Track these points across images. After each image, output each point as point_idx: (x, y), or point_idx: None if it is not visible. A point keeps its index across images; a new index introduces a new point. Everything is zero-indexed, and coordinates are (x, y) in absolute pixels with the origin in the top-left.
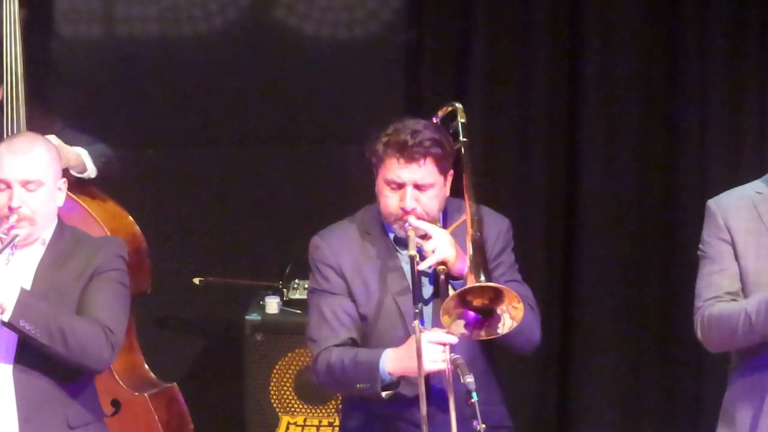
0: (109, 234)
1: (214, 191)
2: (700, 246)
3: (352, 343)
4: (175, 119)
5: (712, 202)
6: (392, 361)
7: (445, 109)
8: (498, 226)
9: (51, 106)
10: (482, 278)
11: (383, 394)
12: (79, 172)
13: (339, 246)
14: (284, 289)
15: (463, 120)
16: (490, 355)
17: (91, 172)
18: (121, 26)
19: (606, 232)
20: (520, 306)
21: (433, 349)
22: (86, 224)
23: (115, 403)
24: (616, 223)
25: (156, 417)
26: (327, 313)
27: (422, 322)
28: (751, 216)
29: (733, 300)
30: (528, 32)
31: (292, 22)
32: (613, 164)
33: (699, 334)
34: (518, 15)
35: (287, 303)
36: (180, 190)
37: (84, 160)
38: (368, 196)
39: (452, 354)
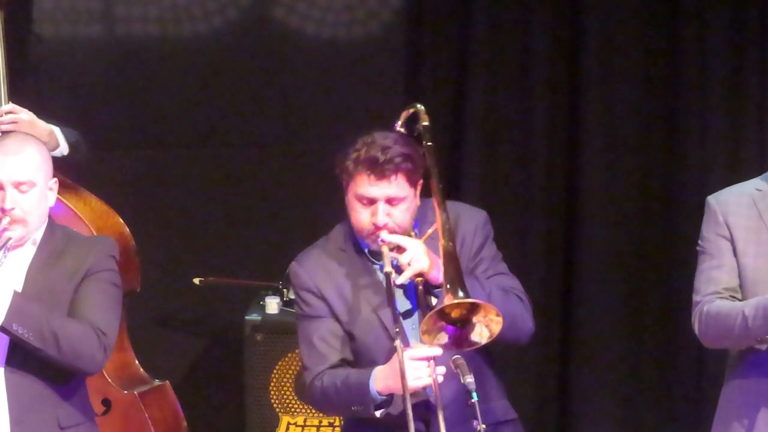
0: (95, 233)
1: (214, 191)
2: (699, 242)
3: (344, 363)
4: (175, 119)
5: (711, 198)
6: (381, 382)
7: (407, 111)
8: (474, 221)
9: (26, 99)
10: (460, 294)
11: (377, 413)
12: (50, 149)
13: (315, 268)
14: (284, 289)
15: (426, 123)
16: (487, 350)
17: (63, 149)
18: (121, 26)
19: (606, 231)
20: (499, 319)
21: (416, 365)
22: (71, 224)
23: (106, 402)
24: (616, 222)
25: (147, 415)
26: (314, 339)
27: (405, 335)
28: (751, 213)
29: (732, 297)
30: (528, 32)
31: (292, 22)
32: (613, 164)
33: (696, 328)
34: (518, 15)
35: (287, 303)
36: (180, 190)
37: (57, 136)
38: None
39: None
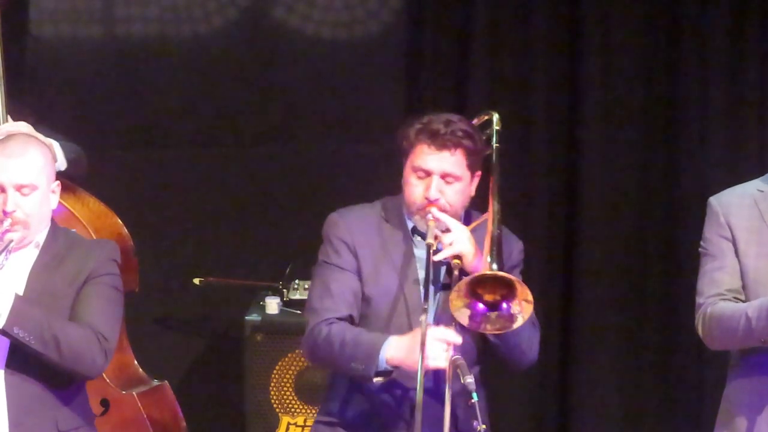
0: (93, 234)
1: (215, 191)
2: (701, 243)
3: (351, 320)
4: (175, 119)
5: (713, 199)
6: (394, 350)
7: (480, 117)
8: (512, 246)
9: (25, 100)
10: (494, 267)
11: (374, 380)
12: None
13: (356, 225)
14: (284, 290)
15: (498, 127)
16: (484, 363)
17: (61, 164)
18: (121, 26)
19: (606, 231)
20: (530, 300)
21: (436, 346)
22: (69, 225)
23: (104, 403)
24: (616, 222)
25: (145, 415)
26: (332, 286)
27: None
28: (752, 214)
29: (735, 298)
30: (528, 32)
31: (292, 22)
32: (613, 164)
33: (700, 331)
34: (518, 15)
35: (287, 303)
36: (180, 190)
37: (56, 151)
38: (368, 196)
39: (453, 355)
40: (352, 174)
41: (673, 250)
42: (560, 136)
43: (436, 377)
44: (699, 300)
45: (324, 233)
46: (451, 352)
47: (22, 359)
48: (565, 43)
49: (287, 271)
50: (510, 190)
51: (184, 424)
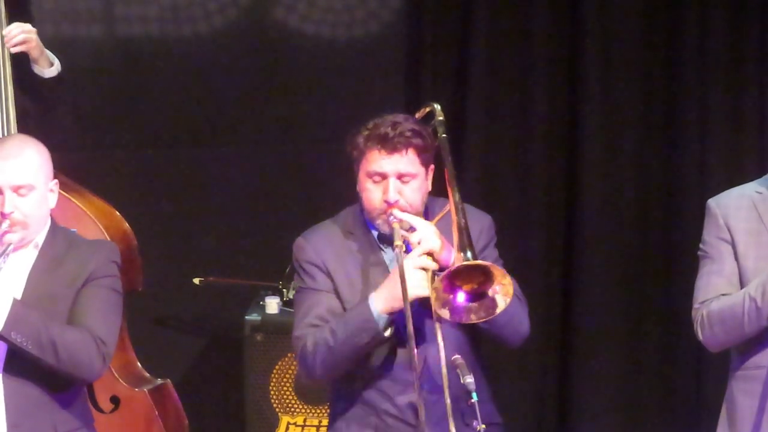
0: (103, 231)
1: (214, 191)
2: (700, 246)
3: None
4: (175, 119)
5: (712, 202)
6: (379, 297)
7: (422, 110)
8: (480, 223)
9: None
10: (468, 255)
11: (386, 333)
12: (46, 66)
13: (323, 245)
14: (284, 289)
15: (441, 118)
16: (479, 351)
17: (57, 68)
18: (121, 26)
19: (606, 232)
20: (508, 281)
21: (416, 275)
22: (81, 222)
23: (114, 400)
24: (616, 223)
25: (156, 412)
26: (313, 311)
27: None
28: (751, 216)
29: None
30: (528, 32)
31: (292, 22)
32: (613, 164)
33: (700, 334)
34: (518, 15)
35: (287, 303)
36: (180, 190)
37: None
38: None
39: (452, 355)
40: (352, 174)
41: (673, 250)
42: (560, 136)
43: (433, 378)
44: (695, 305)
45: (294, 260)
46: (430, 281)
47: (21, 363)
48: (565, 43)
49: (287, 271)
50: (510, 190)
51: (186, 422)
